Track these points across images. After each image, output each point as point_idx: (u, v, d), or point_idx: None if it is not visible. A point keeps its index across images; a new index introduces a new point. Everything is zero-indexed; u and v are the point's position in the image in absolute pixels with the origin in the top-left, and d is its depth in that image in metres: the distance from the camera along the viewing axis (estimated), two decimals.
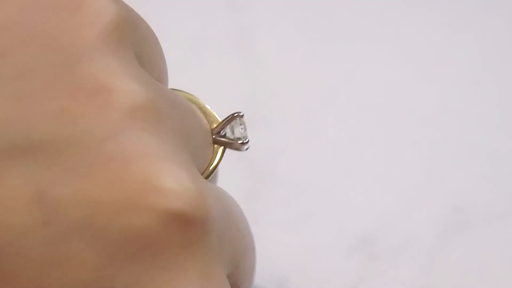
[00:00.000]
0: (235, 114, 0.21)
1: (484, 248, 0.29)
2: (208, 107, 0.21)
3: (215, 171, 0.20)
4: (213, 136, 0.20)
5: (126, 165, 0.16)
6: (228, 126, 0.20)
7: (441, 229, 0.29)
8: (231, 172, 0.29)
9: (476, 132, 0.31)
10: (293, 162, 0.31)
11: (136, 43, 0.18)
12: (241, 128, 0.21)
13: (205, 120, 0.20)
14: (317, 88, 0.32)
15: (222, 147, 0.20)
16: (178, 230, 0.16)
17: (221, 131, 0.20)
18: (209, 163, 0.20)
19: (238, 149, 0.21)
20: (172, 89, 0.21)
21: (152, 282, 0.16)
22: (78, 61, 0.17)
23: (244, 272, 0.19)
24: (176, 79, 0.22)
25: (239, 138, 0.20)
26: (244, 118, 0.21)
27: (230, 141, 0.20)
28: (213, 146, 0.20)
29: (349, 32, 0.33)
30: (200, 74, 0.31)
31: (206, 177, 0.20)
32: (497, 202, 0.30)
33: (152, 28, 0.20)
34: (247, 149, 0.21)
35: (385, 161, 0.31)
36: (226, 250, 0.18)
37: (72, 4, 0.17)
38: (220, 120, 0.21)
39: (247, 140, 0.20)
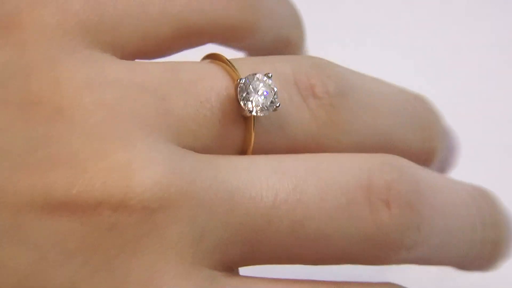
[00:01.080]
0: (237, 82, 0.19)
1: None
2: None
3: (250, 142, 0.19)
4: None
5: (52, 170, 0.16)
6: (244, 95, 0.18)
7: None
8: None
9: (492, 135, 0.30)
10: None
11: (96, 39, 0.18)
12: (250, 93, 0.18)
13: (223, 91, 0.19)
14: None
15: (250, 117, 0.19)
16: (108, 231, 0.16)
17: (240, 102, 0.18)
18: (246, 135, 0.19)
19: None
20: (202, 58, 0.20)
21: (89, 284, 0.16)
22: (14, 77, 0.17)
23: (275, 243, 0.18)
24: None
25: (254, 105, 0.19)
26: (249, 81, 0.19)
27: (243, 110, 0.18)
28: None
29: (352, 30, 0.32)
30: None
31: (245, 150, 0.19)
32: None
33: None
34: (253, 112, 0.18)
35: None
36: (215, 233, 0.17)
37: (6, 23, 0.18)
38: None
39: (247, 105, 0.18)
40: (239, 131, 0.19)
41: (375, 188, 0.18)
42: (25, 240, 0.16)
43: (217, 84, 0.18)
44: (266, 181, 0.18)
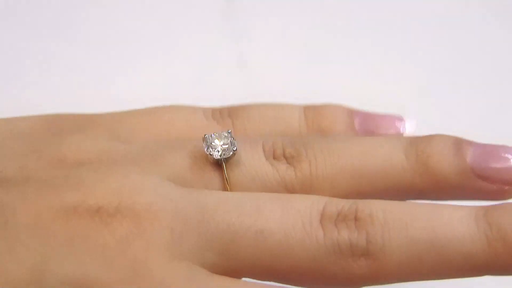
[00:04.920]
0: (204, 137, 0.25)
1: None
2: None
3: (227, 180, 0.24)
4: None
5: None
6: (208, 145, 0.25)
7: None
8: None
9: (492, 133, 0.30)
10: None
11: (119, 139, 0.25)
12: (213, 145, 0.24)
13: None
14: (319, 88, 0.31)
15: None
16: (105, 227, 0.22)
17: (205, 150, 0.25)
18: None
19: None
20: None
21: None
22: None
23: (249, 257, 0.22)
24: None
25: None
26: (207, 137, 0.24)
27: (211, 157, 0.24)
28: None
29: (349, 30, 0.32)
30: (199, 79, 0.30)
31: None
32: None
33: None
34: (215, 156, 0.24)
35: None
36: (191, 239, 0.22)
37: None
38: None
39: (209, 151, 0.24)
40: (218, 176, 0.24)
41: (327, 215, 0.23)
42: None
43: (200, 143, 0.25)
44: (235, 203, 0.23)
